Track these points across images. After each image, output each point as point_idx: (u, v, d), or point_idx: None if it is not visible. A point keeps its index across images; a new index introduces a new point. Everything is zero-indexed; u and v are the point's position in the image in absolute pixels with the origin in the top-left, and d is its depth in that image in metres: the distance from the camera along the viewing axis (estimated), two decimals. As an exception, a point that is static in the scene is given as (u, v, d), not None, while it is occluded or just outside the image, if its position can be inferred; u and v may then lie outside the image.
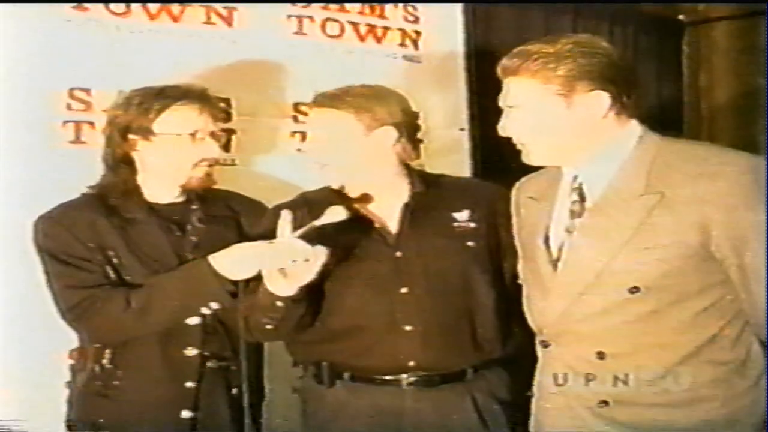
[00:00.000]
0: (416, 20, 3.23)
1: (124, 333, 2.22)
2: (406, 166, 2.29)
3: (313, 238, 2.03)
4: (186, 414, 2.24)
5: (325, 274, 2.12)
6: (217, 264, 2.16)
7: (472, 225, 2.25)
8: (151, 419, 2.22)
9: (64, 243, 2.21)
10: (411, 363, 2.17)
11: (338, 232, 2.09)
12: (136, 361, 2.24)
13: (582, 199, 1.92)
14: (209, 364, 2.27)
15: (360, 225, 2.20)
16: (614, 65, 1.86)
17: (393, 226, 2.23)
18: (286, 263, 2.01)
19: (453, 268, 2.22)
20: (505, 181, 2.25)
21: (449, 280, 2.21)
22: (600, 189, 1.88)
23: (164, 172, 2.28)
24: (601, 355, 1.86)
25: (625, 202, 1.83)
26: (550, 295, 1.92)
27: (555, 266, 1.92)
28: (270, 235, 2.13)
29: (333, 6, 3.04)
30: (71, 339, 2.33)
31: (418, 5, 3.22)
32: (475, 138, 3.36)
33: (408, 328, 2.17)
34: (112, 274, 2.22)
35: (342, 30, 3.06)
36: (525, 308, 2.04)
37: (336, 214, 2.08)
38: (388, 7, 3.16)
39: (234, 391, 2.29)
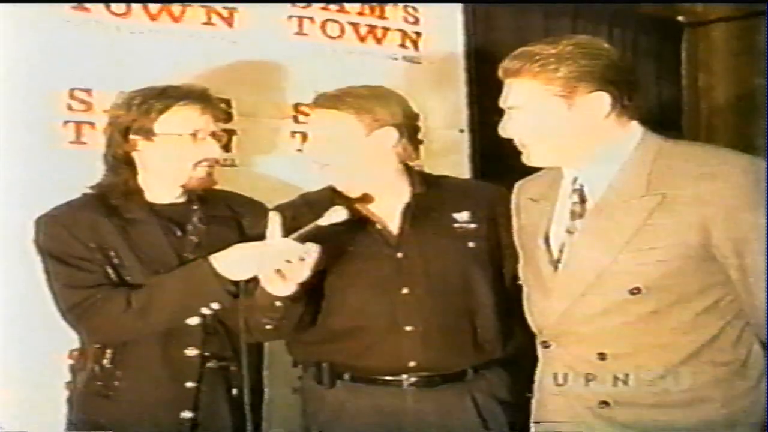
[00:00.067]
0: (416, 21, 3.23)
1: (124, 333, 2.21)
2: (407, 167, 2.29)
3: (314, 238, 2.03)
4: (186, 414, 2.24)
5: (323, 273, 2.13)
6: (217, 264, 2.16)
7: (473, 226, 2.25)
8: (151, 419, 2.22)
9: (64, 243, 2.21)
10: (412, 363, 2.17)
11: (339, 232, 2.10)
12: (136, 361, 2.24)
13: (583, 200, 1.92)
14: (209, 364, 2.27)
15: (361, 225, 2.20)
16: (615, 66, 1.87)
17: (394, 226, 2.24)
18: (282, 264, 2.01)
19: (454, 268, 2.22)
20: (505, 182, 2.26)
21: (450, 281, 2.21)
22: (601, 190, 1.89)
23: (165, 173, 2.28)
24: (601, 356, 1.87)
25: (626, 203, 1.83)
26: (550, 295, 1.93)
27: (556, 267, 1.93)
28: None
29: (333, 7, 3.04)
30: (71, 339, 2.32)
31: (419, 6, 3.22)
32: (475, 139, 3.36)
33: (409, 328, 2.17)
34: (112, 275, 2.22)
35: (342, 31, 3.06)
36: (525, 309, 2.04)
37: (337, 214, 2.08)
38: (388, 7, 3.16)
39: (234, 391, 2.29)
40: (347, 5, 3.07)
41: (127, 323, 2.18)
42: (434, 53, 3.26)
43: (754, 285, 1.78)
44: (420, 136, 2.36)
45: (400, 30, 3.19)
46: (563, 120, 1.87)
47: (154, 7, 2.71)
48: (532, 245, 2.00)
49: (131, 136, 2.24)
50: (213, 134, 2.29)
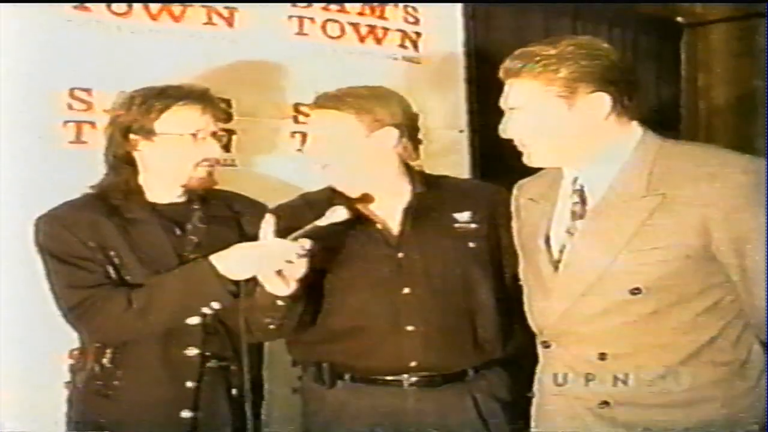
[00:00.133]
0: (416, 21, 3.23)
1: (125, 333, 2.21)
2: (407, 167, 2.29)
3: (314, 238, 2.03)
4: (186, 414, 2.24)
5: (323, 273, 2.13)
6: (218, 264, 2.17)
7: (473, 226, 2.25)
8: (151, 419, 2.22)
9: (65, 243, 2.21)
10: (413, 363, 2.17)
11: (340, 232, 2.10)
12: (136, 360, 2.24)
13: (583, 200, 1.92)
14: (209, 364, 2.27)
15: (361, 225, 2.20)
16: (616, 67, 1.87)
17: (395, 226, 2.24)
18: (282, 264, 2.02)
19: (454, 268, 2.22)
20: (505, 183, 2.26)
21: (451, 281, 2.21)
22: (601, 190, 1.89)
23: (166, 172, 2.28)
24: (602, 356, 1.87)
25: (626, 204, 1.84)
26: (551, 295, 1.93)
27: (556, 267, 1.93)
28: None
29: (333, 7, 3.04)
30: (71, 339, 2.32)
31: (419, 7, 3.22)
32: (474, 139, 3.36)
33: (410, 328, 2.17)
34: (113, 274, 2.22)
35: (342, 31, 3.07)
36: (526, 309, 2.04)
37: (337, 214, 2.08)
38: (389, 8, 3.16)
39: (234, 391, 2.29)
40: (347, 5, 3.07)
41: (127, 323, 2.18)
42: (434, 53, 3.26)
43: (755, 285, 1.78)
44: (420, 136, 2.36)
45: (400, 30, 3.20)
46: (564, 120, 1.87)
47: (154, 7, 2.71)
48: (533, 245, 2.00)
49: (132, 136, 2.24)
50: (213, 134, 2.29)
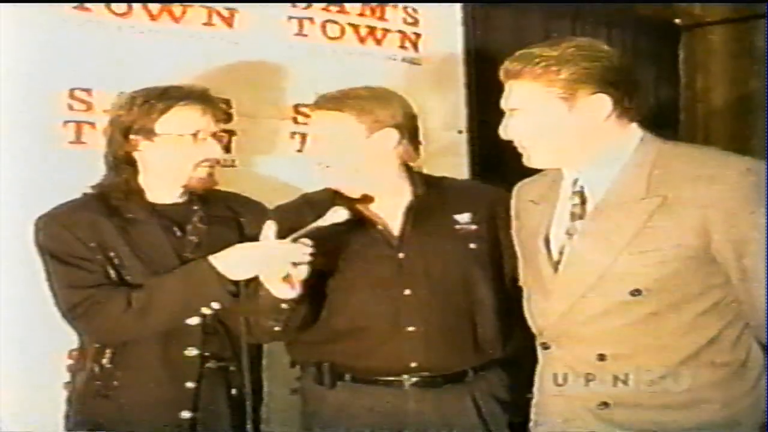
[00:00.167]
0: (416, 22, 3.23)
1: (124, 333, 2.21)
2: (408, 168, 2.30)
3: (315, 239, 2.03)
4: (185, 414, 2.24)
5: (325, 273, 2.13)
6: (218, 264, 2.17)
7: (474, 227, 2.26)
8: (151, 419, 2.22)
9: (65, 243, 2.21)
10: (413, 364, 2.18)
11: (341, 233, 2.10)
12: (136, 361, 2.24)
13: (583, 201, 1.93)
14: (209, 364, 2.27)
15: (362, 226, 2.21)
16: (616, 69, 1.87)
17: (395, 227, 2.24)
18: (287, 267, 2.02)
19: (455, 269, 2.23)
20: (504, 184, 2.27)
21: (451, 282, 2.22)
22: (601, 192, 1.89)
23: (166, 173, 2.28)
24: (601, 357, 1.87)
25: (627, 205, 1.84)
26: (551, 297, 1.93)
27: (556, 268, 1.93)
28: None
29: (333, 8, 3.04)
30: (71, 339, 2.32)
31: (418, 8, 3.22)
32: (474, 140, 3.36)
33: (411, 329, 2.18)
34: (112, 274, 2.22)
35: (342, 32, 3.06)
36: (525, 310, 2.04)
37: (337, 215, 2.09)
38: (388, 9, 3.16)
39: (234, 391, 2.29)
40: (347, 6, 3.07)
41: (127, 323, 2.18)
42: (433, 54, 3.26)
43: (754, 286, 1.79)
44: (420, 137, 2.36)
45: (399, 31, 3.20)
46: (564, 122, 1.87)
47: (154, 7, 2.71)
48: (532, 247, 2.00)
49: (132, 136, 2.25)
50: (214, 135, 2.29)
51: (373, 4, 3.14)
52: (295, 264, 2.02)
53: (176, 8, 2.75)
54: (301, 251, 2.02)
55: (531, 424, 2.05)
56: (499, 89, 1.97)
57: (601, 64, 1.86)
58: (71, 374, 2.38)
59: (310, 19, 3.01)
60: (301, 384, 2.36)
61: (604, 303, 1.86)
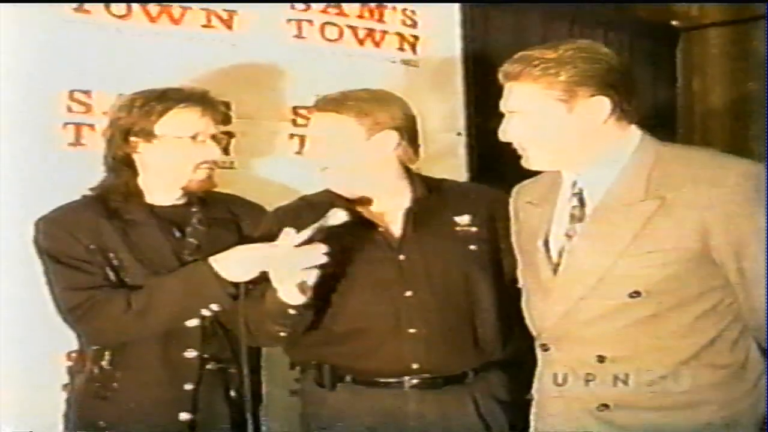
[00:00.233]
0: (414, 24, 3.23)
1: (124, 334, 2.22)
2: (407, 170, 2.30)
3: (317, 240, 2.03)
4: (184, 416, 2.24)
5: (325, 275, 2.13)
6: (217, 266, 2.17)
7: (474, 229, 2.26)
8: (150, 421, 2.22)
9: (64, 244, 2.21)
10: (414, 366, 2.18)
11: (341, 235, 2.10)
12: (135, 363, 2.24)
13: (582, 203, 1.93)
14: (208, 366, 2.27)
15: (363, 228, 2.21)
16: (615, 71, 1.88)
17: (396, 229, 2.24)
18: (304, 274, 2.01)
19: (455, 271, 2.23)
20: (502, 186, 2.27)
21: (452, 284, 2.22)
22: (600, 194, 1.89)
23: (165, 174, 2.28)
24: (601, 359, 1.87)
25: (626, 207, 1.84)
26: (550, 298, 1.93)
27: (555, 270, 1.93)
28: (270, 237, 2.14)
29: (332, 10, 3.05)
30: (72, 340, 2.33)
31: (417, 10, 3.22)
32: (472, 142, 3.37)
33: (412, 331, 2.18)
34: (112, 276, 2.22)
35: (341, 34, 3.07)
36: (524, 312, 2.04)
37: (336, 216, 2.08)
38: (387, 11, 3.17)
39: (233, 393, 2.29)
40: (345, 8, 3.08)
41: (126, 324, 2.19)
42: (432, 56, 3.27)
43: (753, 288, 1.79)
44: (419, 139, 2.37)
45: (398, 33, 3.20)
46: (563, 124, 1.87)
47: (154, 9, 2.72)
48: (532, 249, 2.00)
49: (132, 138, 2.25)
50: (213, 136, 2.29)
51: (372, 5, 3.14)
52: (306, 269, 2.01)
53: (175, 10, 2.76)
54: (315, 255, 2.01)
55: (531, 427, 2.05)
56: (497, 91, 1.97)
57: (601, 67, 1.86)
58: (70, 376, 2.38)
59: (309, 21, 3.01)
60: (301, 385, 2.36)
61: (604, 305, 1.86)
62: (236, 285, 2.16)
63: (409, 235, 2.23)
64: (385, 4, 3.16)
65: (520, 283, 2.07)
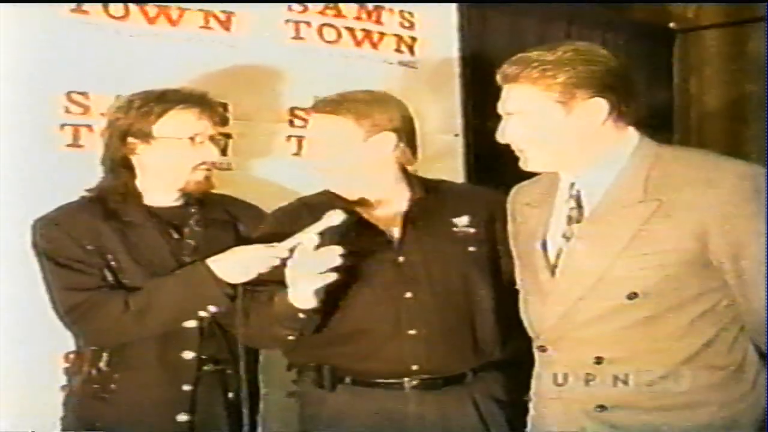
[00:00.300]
0: (412, 26, 3.24)
1: (122, 336, 2.22)
2: (405, 172, 2.30)
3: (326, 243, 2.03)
4: (182, 417, 2.24)
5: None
6: (215, 267, 2.17)
7: (472, 230, 2.26)
8: (148, 422, 2.22)
9: (62, 245, 2.21)
10: (414, 367, 2.18)
11: (342, 237, 2.10)
12: (133, 364, 2.24)
13: (580, 205, 1.93)
14: (206, 367, 2.27)
15: (363, 230, 2.20)
16: (613, 73, 1.88)
17: (395, 231, 2.24)
18: (324, 277, 2.00)
19: (455, 272, 2.23)
20: (499, 187, 2.27)
21: (451, 285, 2.22)
22: (598, 196, 1.89)
23: (163, 176, 2.28)
24: (598, 360, 1.87)
25: (624, 209, 1.84)
26: (548, 300, 1.93)
27: (553, 272, 1.93)
28: (269, 239, 2.14)
29: (330, 11, 3.05)
30: (72, 341, 2.33)
31: (414, 11, 3.23)
32: (470, 144, 3.37)
33: (412, 332, 2.18)
34: (110, 277, 2.23)
35: (339, 35, 3.08)
36: (522, 313, 2.04)
37: (334, 218, 2.08)
38: (384, 12, 3.17)
39: (230, 394, 2.29)
40: (344, 10, 3.08)
41: (124, 326, 2.19)
42: (429, 58, 3.27)
43: (751, 290, 1.79)
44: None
45: (395, 35, 3.21)
46: (561, 125, 1.87)
47: (152, 11, 2.72)
48: (529, 250, 2.00)
49: (130, 140, 2.25)
50: (211, 138, 2.30)
51: (369, 7, 3.14)
52: (324, 272, 2.00)
53: (173, 11, 2.76)
54: (332, 258, 1.99)
55: (528, 428, 2.05)
56: (495, 93, 1.97)
57: (599, 69, 1.86)
58: (68, 377, 2.38)
59: (307, 22, 3.02)
60: (299, 387, 2.35)
61: (601, 306, 1.86)
62: (234, 286, 2.16)
63: (408, 236, 2.23)
64: (382, 5, 3.17)
65: (518, 285, 2.07)
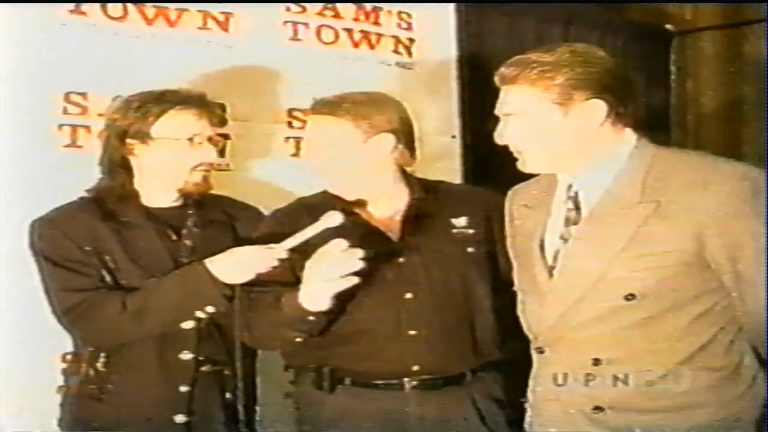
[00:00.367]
0: (409, 27, 3.24)
1: (119, 336, 2.22)
2: (404, 173, 2.30)
3: (315, 243, 2.03)
4: (180, 418, 2.24)
5: None
6: (213, 268, 2.17)
7: (471, 231, 2.26)
8: (145, 423, 2.22)
9: (60, 246, 2.22)
10: (414, 367, 2.18)
11: (341, 237, 2.09)
12: (130, 364, 2.24)
13: (577, 207, 1.93)
14: (203, 368, 2.27)
15: (363, 231, 2.20)
16: (611, 74, 1.88)
17: (395, 232, 2.24)
18: (345, 281, 2.00)
19: (454, 273, 2.24)
20: (497, 188, 2.27)
21: (450, 285, 2.23)
22: (596, 197, 1.90)
23: (161, 177, 2.28)
24: (596, 361, 1.87)
25: (621, 211, 1.85)
26: (546, 301, 1.94)
27: (551, 273, 1.93)
28: (268, 240, 2.14)
29: (328, 12, 3.05)
30: (70, 342, 2.33)
31: (412, 12, 3.23)
32: (467, 145, 3.37)
33: (412, 333, 2.18)
34: (107, 278, 2.23)
35: (336, 36, 3.07)
36: (520, 314, 2.04)
37: (332, 219, 2.09)
38: (382, 14, 3.17)
39: (228, 395, 2.30)
40: (342, 11, 3.08)
41: (122, 326, 2.19)
42: (427, 59, 3.27)
43: (748, 291, 1.79)
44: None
45: (393, 36, 3.20)
46: (559, 127, 1.87)
47: (150, 12, 2.72)
48: (527, 251, 2.00)
49: (128, 140, 2.25)
50: (210, 139, 2.30)
51: (367, 8, 3.14)
52: (345, 276, 1.99)
53: (172, 12, 2.76)
54: (354, 262, 1.99)
55: (525, 429, 2.05)
56: (492, 94, 1.97)
57: (597, 70, 1.86)
58: (65, 378, 2.38)
59: (305, 23, 3.02)
60: (297, 388, 2.34)
61: (599, 308, 1.86)
62: (232, 287, 2.17)
63: (407, 237, 2.23)
64: (380, 6, 3.17)
65: (516, 286, 2.07)
